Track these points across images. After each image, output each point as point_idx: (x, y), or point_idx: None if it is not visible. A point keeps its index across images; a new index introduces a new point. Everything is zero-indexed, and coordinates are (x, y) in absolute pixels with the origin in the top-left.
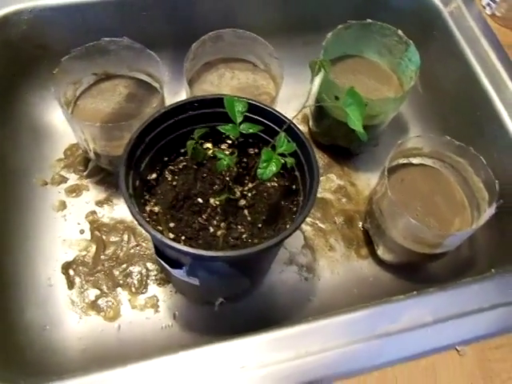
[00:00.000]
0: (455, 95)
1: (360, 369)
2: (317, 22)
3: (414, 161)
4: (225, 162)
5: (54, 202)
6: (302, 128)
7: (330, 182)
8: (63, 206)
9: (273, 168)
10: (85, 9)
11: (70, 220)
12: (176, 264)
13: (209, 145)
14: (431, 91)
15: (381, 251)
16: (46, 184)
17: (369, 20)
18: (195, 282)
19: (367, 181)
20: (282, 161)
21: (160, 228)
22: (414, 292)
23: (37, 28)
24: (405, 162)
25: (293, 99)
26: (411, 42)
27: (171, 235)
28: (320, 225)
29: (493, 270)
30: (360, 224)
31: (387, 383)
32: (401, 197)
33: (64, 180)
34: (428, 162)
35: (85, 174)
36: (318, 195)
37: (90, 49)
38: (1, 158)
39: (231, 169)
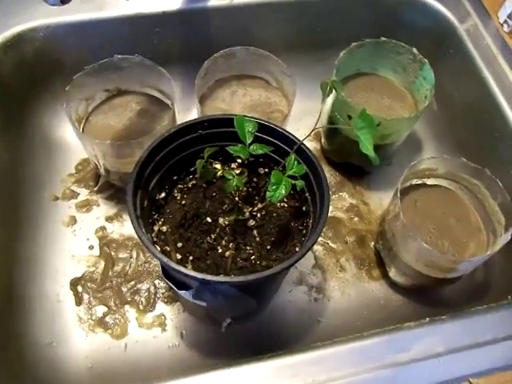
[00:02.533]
0: (471, 115)
1: None
2: (330, 39)
3: (429, 182)
4: (233, 183)
5: (64, 217)
6: (314, 145)
7: (341, 201)
8: (73, 221)
9: (282, 191)
10: (98, 26)
11: (79, 235)
12: (182, 286)
13: (218, 164)
14: (446, 110)
15: (393, 273)
16: (57, 199)
17: (383, 38)
18: (202, 303)
19: (380, 200)
20: (293, 183)
21: (168, 249)
22: (427, 319)
23: (51, 44)
24: (419, 182)
25: (305, 116)
26: (426, 60)
27: (178, 256)
28: (331, 244)
29: (509, 297)
30: (372, 244)
31: None
32: (414, 218)
33: (75, 195)
34: (443, 183)
35: (95, 189)
36: (330, 214)
37: (102, 65)
38: (13, 172)
39: (241, 189)
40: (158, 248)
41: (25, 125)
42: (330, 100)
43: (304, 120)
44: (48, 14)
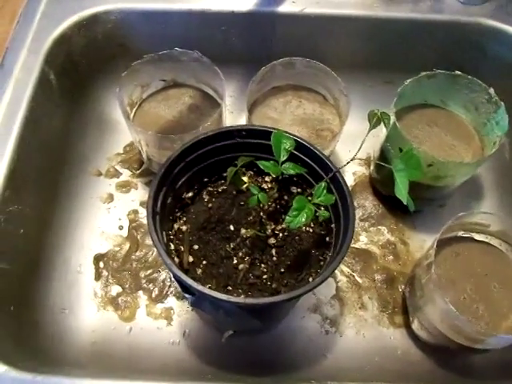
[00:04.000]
0: None
1: None
2: (399, 63)
3: (477, 237)
4: (256, 199)
5: (103, 194)
6: (363, 170)
7: (379, 235)
8: (110, 198)
9: (302, 219)
10: (168, 16)
11: (112, 213)
12: (186, 290)
13: (246, 176)
14: None
15: (415, 325)
16: (100, 175)
17: (457, 72)
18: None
19: (422, 242)
20: (317, 212)
21: (182, 249)
22: None
23: (121, 29)
24: (465, 235)
25: (360, 138)
26: (502, 103)
27: (191, 258)
28: (357, 278)
29: None
30: (401, 288)
31: None
32: (451, 273)
33: (117, 174)
34: (493, 241)
35: (137, 172)
36: (363, 246)
37: (162, 56)
38: (64, 142)
39: (266, 204)
40: (172, 246)
41: (83, 101)
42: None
43: (357, 142)
44: (122, 0)
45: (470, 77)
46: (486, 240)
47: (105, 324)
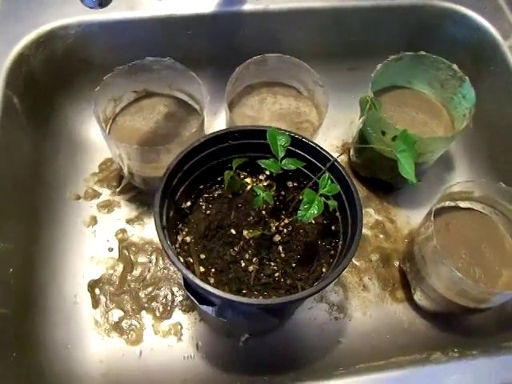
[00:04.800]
0: (510, 136)
1: None
2: (364, 49)
3: (462, 204)
4: (262, 198)
5: (85, 217)
6: (342, 157)
7: (367, 217)
8: (94, 221)
9: (314, 211)
10: (130, 26)
11: (99, 236)
12: (204, 301)
13: (247, 178)
14: (483, 130)
15: (418, 296)
16: (79, 198)
17: (422, 52)
18: (223, 319)
19: (407, 218)
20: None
21: (191, 260)
22: (455, 351)
23: (82, 43)
24: (452, 205)
25: (333, 127)
26: (467, 77)
27: (202, 268)
28: (355, 261)
29: None
30: (397, 264)
31: None
32: (445, 242)
33: (97, 195)
34: (477, 206)
35: (118, 190)
36: None
37: (133, 67)
38: (37, 169)
39: (264, 204)
40: (181, 259)
41: (50, 122)
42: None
43: (332, 130)
44: (81, 12)
45: (434, 56)
46: (471, 206)
47: (112, 352)
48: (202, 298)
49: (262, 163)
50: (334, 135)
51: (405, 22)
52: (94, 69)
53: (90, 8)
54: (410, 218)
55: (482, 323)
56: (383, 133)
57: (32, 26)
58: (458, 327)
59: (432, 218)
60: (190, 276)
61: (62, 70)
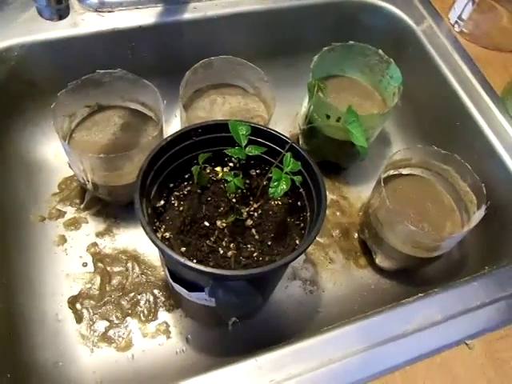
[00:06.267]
0: (434, 107)
1: (383, 370)
2: (297, 46)
3: (404, 171)
4: (234, 184)
5: (54, 237)
6: None
7: None
8: (63, 240)
9: (283, 186)
10: (73, 43)
11: (71, 254)
12: (194, 287)
13: (217, 168)
14: (410, 105)
15: (379, 259)
16: (44, 219)
17: (351, 42)
18: (211, 303)
19: (358, 193)
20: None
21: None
22: (420, 294)
23: (25, 64)
24: (395, 173)
25: (279, 120)
26: (392, 60)
27: None
28: (318, 239)
29: (486, 268)
30: (356, 235)
31: (409, 382)
32: (395, 206)
33: (61, 214)
34: (416, 171)
35: (82, 206)
36: None
37: (84, 81)
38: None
39: (236, 190)
40: None
41: (3, 146)
42: (305, 102)
43: (279, 124)
44: (22, 33)
45: (362, 44)
46: (412, 172)
47: (104, 361)
48: (192, 285)
49: (230, 152)
50: (281, 128)
51: (329, 18)
52: (41, 89)
53: (50, 20)
54: (361, 193)
55: (435, 274)
56: (328, 116)
57: None
58: (417, 280)
59: (382, 184)
60: (182, 260)
61: (8, 93)
